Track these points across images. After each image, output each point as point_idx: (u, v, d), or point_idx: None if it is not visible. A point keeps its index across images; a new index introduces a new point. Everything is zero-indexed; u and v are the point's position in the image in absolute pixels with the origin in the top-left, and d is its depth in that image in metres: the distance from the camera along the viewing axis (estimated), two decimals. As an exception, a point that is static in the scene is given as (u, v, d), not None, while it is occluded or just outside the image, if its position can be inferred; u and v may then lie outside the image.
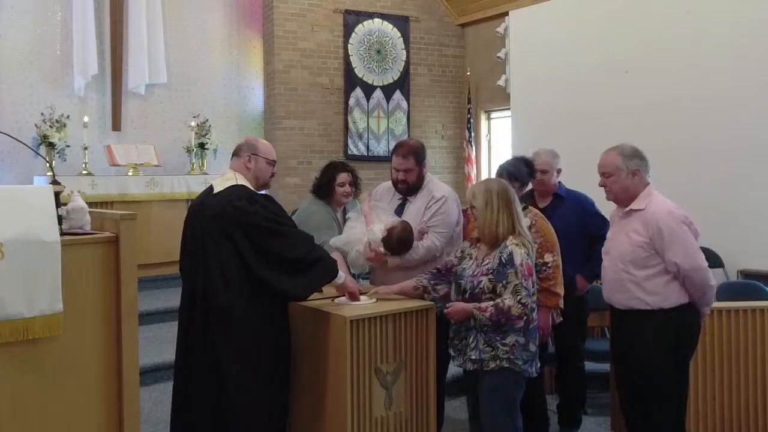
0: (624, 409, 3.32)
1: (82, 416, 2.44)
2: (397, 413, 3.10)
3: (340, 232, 3.73)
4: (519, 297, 2.91)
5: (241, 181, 3.06)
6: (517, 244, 2.98)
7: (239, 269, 2.91)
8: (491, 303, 2.93)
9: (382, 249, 3.41)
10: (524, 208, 3.52)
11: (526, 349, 2.98)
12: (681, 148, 6.02)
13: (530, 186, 3.88)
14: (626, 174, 3.10)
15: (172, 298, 5.82)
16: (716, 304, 3.79)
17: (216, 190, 3.04)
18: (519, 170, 3.68)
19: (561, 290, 3.57)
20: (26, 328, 2.26)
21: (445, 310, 3.06)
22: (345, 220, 3.99)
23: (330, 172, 4.08)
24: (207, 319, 2.94)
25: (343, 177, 4.02)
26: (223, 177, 3.11)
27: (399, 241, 3.40)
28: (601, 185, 3.21)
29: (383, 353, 3.04)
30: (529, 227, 3.41)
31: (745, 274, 5.48)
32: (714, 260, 5.66)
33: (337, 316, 2.99)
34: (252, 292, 2.92)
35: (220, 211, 2.93)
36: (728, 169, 5.73)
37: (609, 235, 3.30)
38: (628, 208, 3.12)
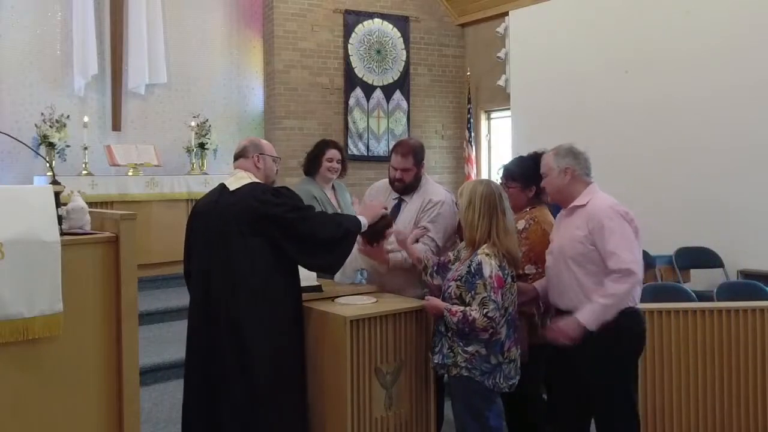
0: (559, 421, 3.15)
1: (82, 416, 2.44)
2: (397, 413, 3.09)
3: (325, 210, 3.77)
4: (486, 310, 2.81)
5: (254, 179, 3.08)
6: (487, 254, 2.87)
7: (267, 265, 2.93)
8: (461, 309, 2.86)
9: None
10: (531, 209, 3.43)
11: (486, 361, 2.88)
12: (681, 148, 6.03)
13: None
14: (557, 173, 3.02)
15: (172, 298, 5.83)
16: (716, 304, 3.81)
17: (232, 188, 3.04)
18: (523, 170, 3.45)
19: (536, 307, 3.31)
20: (26, 328, 2.26)
21: (424, 301, 3.07)
22: (338, 201, 4.06)
23: (320, 146, 4.18)
24: (232, 318, 2.89)
25: (332, 153, 4.12)
26: (236, 176, 3.10)
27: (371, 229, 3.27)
28: (542, 186, 3.17)
29: (383, 353, 3.03)
30: (521, 231, 3.29)
31: (745, 274, 5.46)
32: (714, 260, 5.66)
33: (337, 316, 2.98)
34: (284, 291, 2.97)
35: (246, 206, 2.93)
36: (728, 169, 5.72)
37: (552, 236, 3.17)
38: (571, 206, 3.04)
